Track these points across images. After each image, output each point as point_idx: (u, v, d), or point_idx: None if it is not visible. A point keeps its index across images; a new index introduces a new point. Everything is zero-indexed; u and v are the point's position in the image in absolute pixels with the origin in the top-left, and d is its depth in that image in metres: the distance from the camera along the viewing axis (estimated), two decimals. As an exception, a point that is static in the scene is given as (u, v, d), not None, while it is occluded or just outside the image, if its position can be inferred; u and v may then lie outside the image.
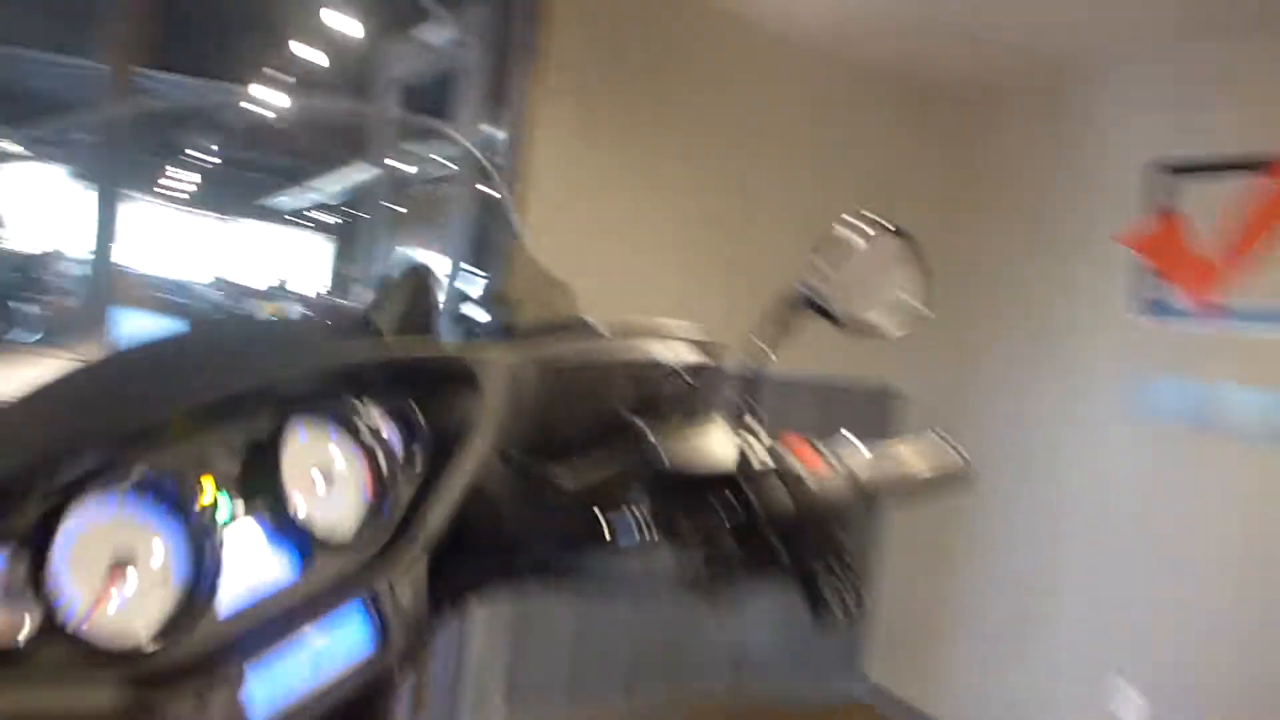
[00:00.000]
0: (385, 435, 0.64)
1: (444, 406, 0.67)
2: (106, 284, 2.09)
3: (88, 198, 2.04)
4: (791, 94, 2.91)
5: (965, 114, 3.20)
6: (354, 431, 0.62)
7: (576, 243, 2.44)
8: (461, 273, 2.36)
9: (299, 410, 0.59)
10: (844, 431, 0.72)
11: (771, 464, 0.66)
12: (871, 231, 0.70)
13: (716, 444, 0.67)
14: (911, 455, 0.72)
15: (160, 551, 0.52)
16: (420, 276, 0.66)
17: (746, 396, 0.68)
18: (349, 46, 6.49)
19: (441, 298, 0.67)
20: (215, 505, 0.55)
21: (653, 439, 0.67)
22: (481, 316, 0.87)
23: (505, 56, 2.50)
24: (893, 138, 3.10)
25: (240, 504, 0.56)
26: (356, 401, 0.62)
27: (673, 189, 2.76)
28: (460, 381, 0.67)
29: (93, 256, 2.04)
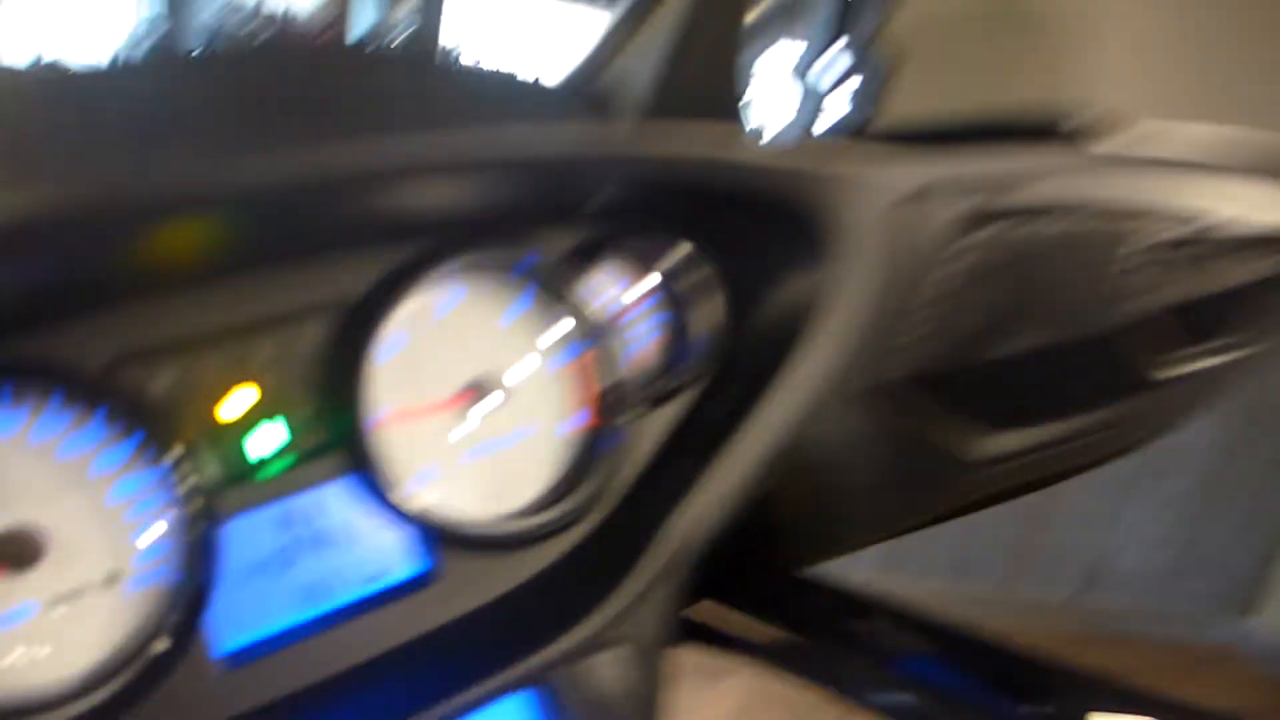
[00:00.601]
0: (625, 313, 0.32)
1: (753, 270, 0.33)
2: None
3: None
4: None
5: None
6: (560, 299, 0.30)
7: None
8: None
9: (450, 251, 0.28)
10: None
11: None
12: None
13: None
14: None
15: (101, 527, 0.24)
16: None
17: None
18: None
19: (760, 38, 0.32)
20: (241, 441, 0.26)
21: None
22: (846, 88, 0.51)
23: None
24: None
25: (311, 438, 0.27)
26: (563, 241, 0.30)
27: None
28: (790, 222, 0.32)
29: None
